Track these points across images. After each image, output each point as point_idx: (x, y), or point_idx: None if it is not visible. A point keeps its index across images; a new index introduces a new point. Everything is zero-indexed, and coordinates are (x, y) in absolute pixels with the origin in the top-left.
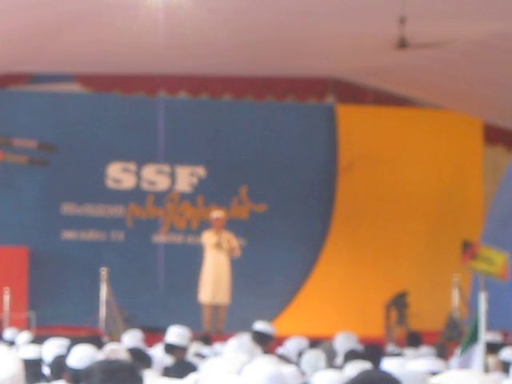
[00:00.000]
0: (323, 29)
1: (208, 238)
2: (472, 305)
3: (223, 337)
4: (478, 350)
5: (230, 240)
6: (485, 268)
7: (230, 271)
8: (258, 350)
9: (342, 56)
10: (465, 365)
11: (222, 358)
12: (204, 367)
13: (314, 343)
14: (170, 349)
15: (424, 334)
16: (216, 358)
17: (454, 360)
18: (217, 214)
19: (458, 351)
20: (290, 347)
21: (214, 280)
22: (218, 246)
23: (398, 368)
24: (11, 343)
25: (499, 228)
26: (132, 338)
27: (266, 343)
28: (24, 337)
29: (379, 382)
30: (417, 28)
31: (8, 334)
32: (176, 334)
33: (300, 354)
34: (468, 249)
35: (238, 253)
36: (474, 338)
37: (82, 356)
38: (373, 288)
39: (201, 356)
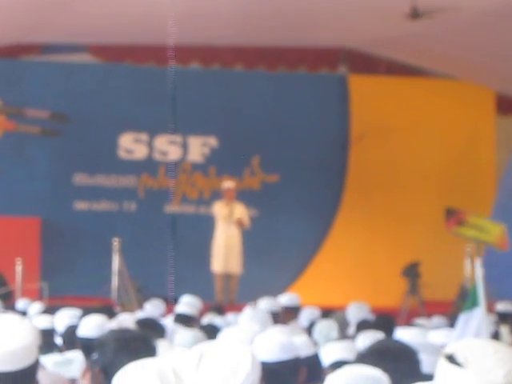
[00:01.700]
0: None
1: (219, 209)
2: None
3: (235, 307)
4: (478, 314)
5: (243, 217)
6: (474, 234)
7: (241, 242)
8: (271, 320)
9: (354, 26)
10: (463, 326)
11: (236, 328)
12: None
13: (326, 313)
14: (181, 319)
15: (436, 304)
16: (229, 327)
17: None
18: (228, 184)
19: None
20: (302, 317)
21: (225, 250)
22: (228, 218)
23: (411, 338)
24: (23, 313)
25: (511, 197)
26: (154, 308)
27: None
28: (36, 307)
29: (395, 352)
30: None
31: (20, 304)
32: (186, 303)
33: (312, 324)
34: (452, 215)
35: (247, 227)
36: (474, 302)
37: (91, 326)
38: (385, 258)
39: (213, 326)
